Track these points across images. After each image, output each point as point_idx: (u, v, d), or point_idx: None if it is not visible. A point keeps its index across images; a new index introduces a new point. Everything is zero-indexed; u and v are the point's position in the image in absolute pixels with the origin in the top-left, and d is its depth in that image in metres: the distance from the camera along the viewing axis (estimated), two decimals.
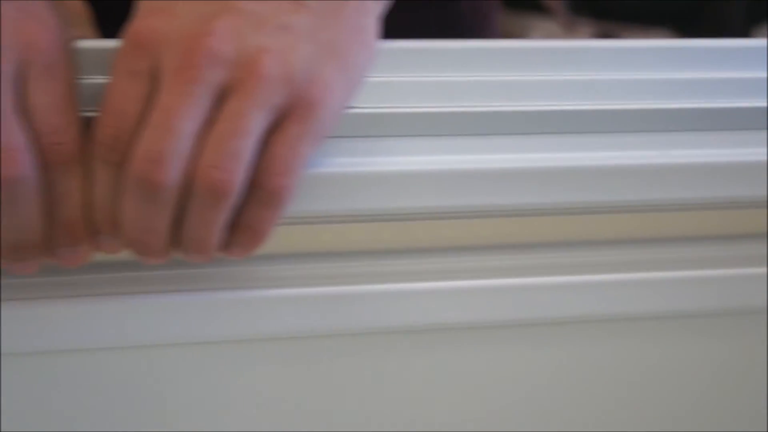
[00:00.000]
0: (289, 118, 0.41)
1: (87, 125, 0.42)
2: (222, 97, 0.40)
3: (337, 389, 0.51)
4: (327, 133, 0.43)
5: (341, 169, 0.45)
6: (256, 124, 0.40)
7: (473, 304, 0.49)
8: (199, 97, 0.40)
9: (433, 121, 0.47)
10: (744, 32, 1.93)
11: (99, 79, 0.43)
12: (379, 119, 0.47)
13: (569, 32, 2.00)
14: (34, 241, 0.42)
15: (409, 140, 0.47)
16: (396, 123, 0.47)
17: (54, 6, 0.43)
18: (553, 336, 0.51)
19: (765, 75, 0.50)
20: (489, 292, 0.49)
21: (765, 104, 0.50)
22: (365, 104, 0.46)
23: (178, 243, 0.43)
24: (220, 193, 0.40)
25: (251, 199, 0.41)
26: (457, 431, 0.53)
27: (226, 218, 0.42)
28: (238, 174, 0.40)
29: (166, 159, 0.40)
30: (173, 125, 0.39)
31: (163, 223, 0.41)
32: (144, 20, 0.41)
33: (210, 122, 0.40)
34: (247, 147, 0.40)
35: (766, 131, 0.50)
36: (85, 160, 0.42)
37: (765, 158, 0.49)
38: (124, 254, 0.43)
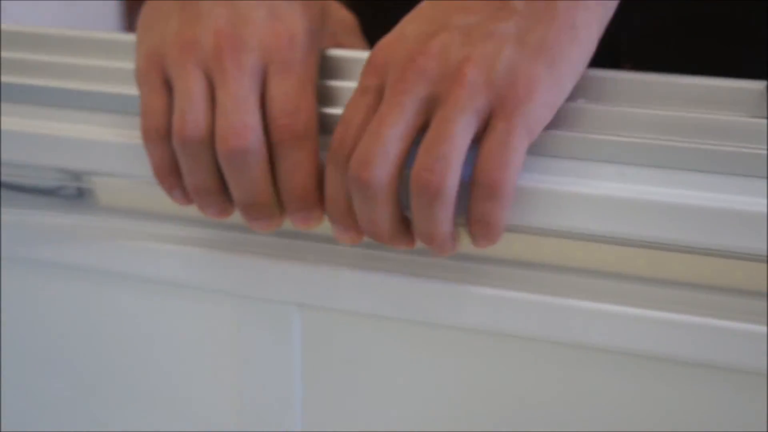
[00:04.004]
0: (496, 117, 0.45)
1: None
2: (433, 109, 0.46)
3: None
4: (538, 127, 0.46)
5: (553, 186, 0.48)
6: (461, 128, 0.45)
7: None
8: (405, 106, 0.45)
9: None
10: None
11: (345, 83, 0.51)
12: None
13: None
14: (265, 203, 0.50)
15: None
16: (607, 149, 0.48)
17: (305, 12, 0.51)
18: None
19: None
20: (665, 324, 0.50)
21: None
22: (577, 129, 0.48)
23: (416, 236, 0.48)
24: (433, 193, 0.45)
25: (476, 195, 0.46)
26: None
27: (449, 215, 0.46)
28: (447, 175, 0.45)
29: (374, 160, 0.45)
30: (381, 131, 0.45)
31: (385, 217, 0.47)
32: (381, 43, 0.48)
33: (421, 130, 0.46)
34: (454, 150, 0.45)
35: None
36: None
37: None
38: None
